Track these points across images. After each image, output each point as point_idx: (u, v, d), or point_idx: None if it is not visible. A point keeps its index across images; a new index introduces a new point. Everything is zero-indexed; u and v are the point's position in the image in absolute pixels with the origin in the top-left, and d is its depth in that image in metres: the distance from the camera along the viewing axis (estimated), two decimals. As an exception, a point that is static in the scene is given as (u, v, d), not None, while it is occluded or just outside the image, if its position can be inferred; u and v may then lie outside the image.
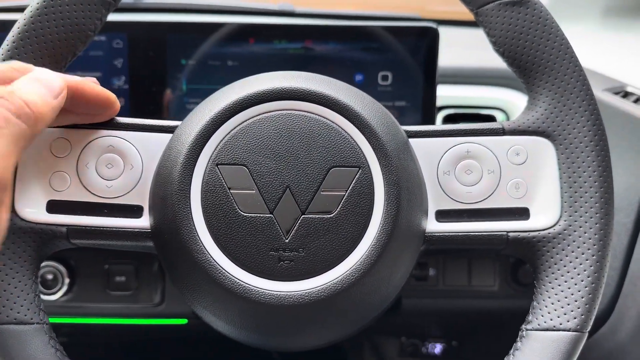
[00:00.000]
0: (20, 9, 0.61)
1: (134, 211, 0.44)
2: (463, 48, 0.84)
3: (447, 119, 0.81)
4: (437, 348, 0.95)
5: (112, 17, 0.76)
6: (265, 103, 0.42)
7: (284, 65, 0.71)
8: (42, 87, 0.37)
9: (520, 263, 0.74)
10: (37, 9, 0.43)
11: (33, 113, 0.35)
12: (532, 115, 0.45)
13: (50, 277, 0.74)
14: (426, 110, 0.73)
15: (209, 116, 0.42)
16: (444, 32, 0.95)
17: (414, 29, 0.71)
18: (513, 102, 0.81)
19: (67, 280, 0.75)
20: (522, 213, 0.45)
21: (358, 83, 0.72)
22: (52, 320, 0.78)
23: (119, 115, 0.72)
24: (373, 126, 0.42)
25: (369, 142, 0.42)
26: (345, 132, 0.42)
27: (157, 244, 0.44)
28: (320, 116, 0.42)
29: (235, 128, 0.42)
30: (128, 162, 0.45)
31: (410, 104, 0.73)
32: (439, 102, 0.78)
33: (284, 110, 0.42)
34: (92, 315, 0.78)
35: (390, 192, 0.42)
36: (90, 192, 0.44)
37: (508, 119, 0.81)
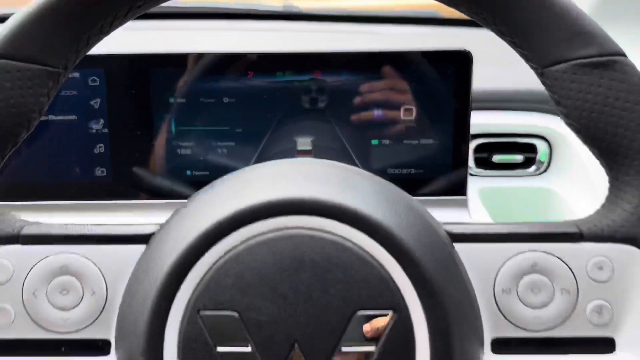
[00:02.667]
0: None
1: (99, 347, 0.35)
2: (495, 63, 0.72)
3: (480, 149, 0.71)
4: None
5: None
6: (260, 221, 0.31)
7: (288, 102, 0.60)
8: None
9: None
10: None
11: None
12: (618, 214, 0.35)
13: None
14: (457, 145, 0.62)
15: (185, 242, 0.32)
16: (468, 35, 0.83)
17: (443, 54, 0.60)
18: (555, 129, 0.69)
19: None
20: (605, 344, 0.35)
21: (377, 119, 0.61)
22: None
23: (99, 164, 0.62)
24: (412, 250, 0.31)
25: (407, 274, 0.31)
26: (374, 258, 0.31)
27: None
28: (339, 236, 0.32)
29: (221, 258, 0.31)
30: (88, 286, 0.35)
31: (438, 141, 0.62)
32: (470, 131, 0.68)
33: (287, 229, 0.32)
34: None
35: (438, 344, 0.31)
36: (41, 327, 0.34)
37: (551, 148, 0.70)
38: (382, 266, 0.31)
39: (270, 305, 0.31)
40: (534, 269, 0.35)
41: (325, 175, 0.34)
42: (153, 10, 1.02)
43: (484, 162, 0.71)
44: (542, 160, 0.70)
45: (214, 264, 0.31)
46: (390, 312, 0.31)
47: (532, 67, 0.36)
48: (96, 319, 0.34)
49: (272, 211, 0.31)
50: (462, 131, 0.61)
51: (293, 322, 0.30)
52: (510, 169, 0.71)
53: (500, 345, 0.35)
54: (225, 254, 0.31)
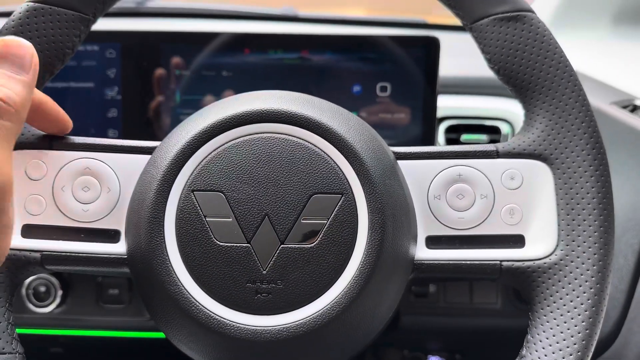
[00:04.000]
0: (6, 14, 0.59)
1: (111, 236, 0.43)
2: (468, 56, 0.82)
3: (450, 130, 0.79)
4: (440, 362, 0.92)
5: (106, 26, 0.75)
6: (243, 126, 0.40)
7: (279, 75, 0.69)
8: (9, 66, 0.35)
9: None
10: (13, 27, 0.42)
11: (13, 108, 0.33)
12: (528, 137, 0.43)
13: (43, 289, 0.73)
14: (426, 122, 0.70)
15: (184, 140, 0.41)
16: (450, 38, 0.92)
17: (414, 39, 0.69)
18: (518, 113, 0.78)
19: (59, 293, 0.73)
20: (516, 241, 0.43)
21: (356, 94, 0.70)
22: (47, 332, 0.78)
23: (112, 127, 0.71)
24: (357, 150, 0.40)
25: (353, 167, 0.40)
26: (328, 156, 0.40)
27: (132, 271, 0.42)
28: (302, 139, 0.40)
29: (211, 152, 0.40)
30: (105, 185, 0.43)
31: (410, 116, 0.70)
32: (441, 113, 0.76)
33: (263, 133, 0.40)
34: (85, 328, 0.77)
35: (375, 219, 0.39)
36: (66, 216, 0.43)
37: (513, 130, 0.78)
38: (333, 161, 0.40)
39: (248, 187, 0.39)
40: (459, 179, 0.43)
41: (294, 96, 0.43)
42: (156, 10, 1.13)
43: (454, 142, 0.79)
44: (505, 134, 0.78)
45: (206, 156, 0.40)
46: (339, 196, 0.40)
47: (463, 24, 0.44)
48: (110, 212, 0.43)
49: (251, 118, 0.40)
50: (430, 107, 0.70)
51: (264, 200, 0.39)
52: (476, 146, 0.79)
53: (433, 242, 0.43)
54: (215, 149, 0.40)
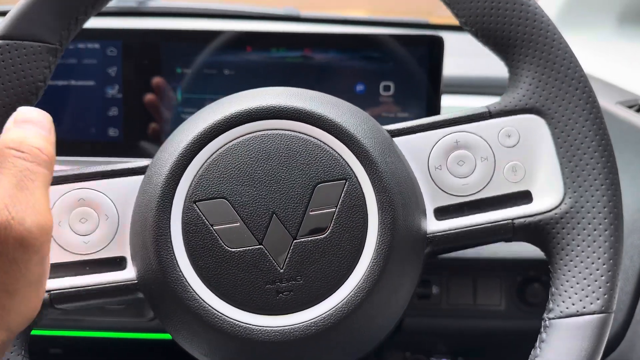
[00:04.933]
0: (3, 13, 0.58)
1: (117, 263, 0.42)
2: (471, 56, 0.81)
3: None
4: (443, 365, 0.92)
5: (107, 23, 0.75)
6: (234, 128, 0.40)
7: (282, 74, 0.69)
8: (36, 127, 0.36)
9: (527, 282, 0.70)
10: None
11: (47, 156, 0.35)
12: (517, 92, 0.43)
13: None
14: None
15: (177, 152, 0.40)
16: (453, 38, 0.92)
17: (418, 38, 0.68)
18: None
19: (58, 293, 0.73)
20: (524, 197, 0.42)
21: (359, 93, 0.70)
22: (46, 332, 0.77)
23: (112, 125, 0.70)
24: (352, 133, 0.40)
25: (352, 151, 0.40)
26: (325, 144, 0.40)
27: (146, 294, 0.41)
28: (296, 132, 0.40)
29: (207, 160, 0.40)
30: (102, 212, 0.42)
31: (413, 115, 0.70)
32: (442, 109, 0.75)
33: (256, 132, 0.40)
34: (85, 329, 0.76)
35: (383, 199, 0.39)
36: (67, 250, 0.42)
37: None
38: (331, 148, 0.40)
39: (250, 189, 0.39)
40: (457, 145, 0.43)
41: (279, 91, 0.42)
42: (157, 10, 1.13)
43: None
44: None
45: (203, 164, 0.40)
46: (343, 181, 0.39)
47: None
48: (112, 239, 0.42)
49: (242, 119, 0.40)
50: (433, 107, 0.69)
51: (269, 199, 0.39)
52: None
53: (441, 213, 0.43)
54: (210, 156, 0.40)
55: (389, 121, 0.69)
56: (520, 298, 0.71)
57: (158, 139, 0.70)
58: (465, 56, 0.81)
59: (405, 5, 1.52)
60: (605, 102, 0.73)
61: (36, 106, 0.43)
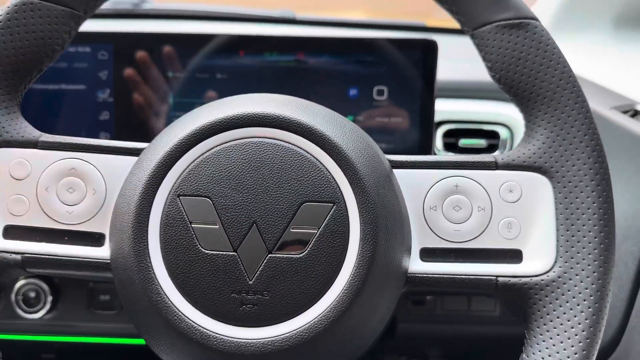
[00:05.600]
0: None
1: (96, 239, 0.41)
2: (467, 60, 0.81)
3: (448, 135, 0.78)
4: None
5: (98, 27, 0.74)
6: (233, 130, 0.39)
7: (275, 78, 0.68)
8: None
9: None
10: (1, 21, 0.40)
11: None
12: (528, 149, 0.42)
13: (32, 295, 0.72)
14: (424, 126, 0.69)
15: (172, 142, 0.39)
16: (449, 41, 0.91)
17: (412, 42, 0.68)
18: (517, 118, 0.77)
19: (49, 299, 0.72)
20: (514, 256, 0.41)
21: (352, 98, 0.69)
22: (37, 338, 0.77)
23: (104, 129, 0.70)
24: (351, 158, 0.39)
25: (346, 175, 0.39)
26: (320, 163, 0.39)
27: (115, 276, 0.41)
28: (293, 145, 0.39)
29: (200, 156, 0.39)
30: (91, 186, 0.42)
31: (407, 120, 0.69)
32: (439, 117, 0.75)
33: (253, 138, 0.39)
34: (77, 334, 0.75)
35: (367, 230, 0.38)
36: (49, 217, 0.41)
37: (512, 135, 0.77)
38: (326, 168, 0.39)
39: (236, 194, 0.38)
40: (456, 190, 0.42)
41: (286, 100, 0.41)
42: (152, 12, 1.12)
43: (452, 147, 0.78)
44: (504, 139, 0.77)
45: (194, 160, 0.39)
46: (330, 205, 0.38)
47: (464, 30, 0.43)
48: (95, 214, 0.41)
49: (242, 122, 0.39)
50: (428, 111, 0.69)
51: (253, 207, 0.38)
52: (475, 153, 0.78)
53: (427, 254, 0.42)
54: (203, 153, 0.39)
55: (382, 125, 0.69)
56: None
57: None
58: (461, 60, 0.81)
59: (402, 8, 1.52)
60: (600, 107, 0.72)
61: (27, 111, 0.43)
